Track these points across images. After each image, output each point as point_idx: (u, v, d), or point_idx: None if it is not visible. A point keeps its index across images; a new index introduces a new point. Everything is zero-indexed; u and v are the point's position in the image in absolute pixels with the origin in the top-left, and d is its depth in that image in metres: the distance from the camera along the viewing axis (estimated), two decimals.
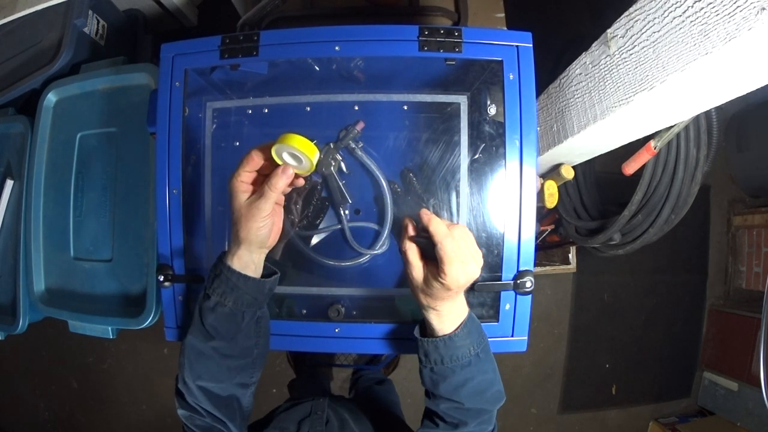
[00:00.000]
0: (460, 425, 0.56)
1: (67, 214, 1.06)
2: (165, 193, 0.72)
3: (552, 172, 0.97)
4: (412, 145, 0.82)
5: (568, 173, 0.94)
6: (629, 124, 0.71)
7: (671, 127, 0.86)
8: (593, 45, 0.71)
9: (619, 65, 0.64)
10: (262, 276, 0.57)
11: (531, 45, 0.68)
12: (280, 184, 0.52)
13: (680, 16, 0.51)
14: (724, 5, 0.45)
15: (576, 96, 0.76)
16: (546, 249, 1.66)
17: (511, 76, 0.67)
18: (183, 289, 0.73)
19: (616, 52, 0.65)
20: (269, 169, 0.54)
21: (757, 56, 0.46)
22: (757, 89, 0.55)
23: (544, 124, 0.88)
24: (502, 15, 1.00)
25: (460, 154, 0.76)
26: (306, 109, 0.82)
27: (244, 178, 0.54)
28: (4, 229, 1.15)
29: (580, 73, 0.75)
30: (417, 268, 0.52)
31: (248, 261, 0.54)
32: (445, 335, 0.53)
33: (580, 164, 1.01)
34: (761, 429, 1.62)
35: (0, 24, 1.22)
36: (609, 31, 0.66)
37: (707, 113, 0.94)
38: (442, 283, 0.49)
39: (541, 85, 0.85)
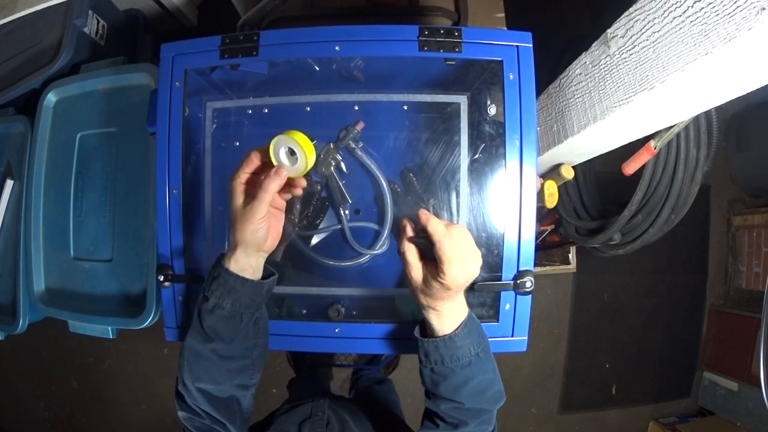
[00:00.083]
0: (460, 425, 0.56)
1: (67, 214, 1.06)
2: (165, 193, 0.72)
3: (552, 172, 0.97)
4: (412, 145, 0.82)
5: (568, 173, 0.94)
6: (629, 124, 0.71)
7: (671, 127, 0.86)
8: (593, 45, 0.71)
9: (619, 65, 0.64)
10: (261, 277, 0.57)
11: (531, 45, 0.68)
12: (273, 186, 0.51)
13: (680, 16, 0.51)
14: (724, 5, 0.45)
15: (576, 96, 0.76)
16: (546, 249, 1.66)
17: (511, 76, 0.67)
18: (183, 289, 0.73)
19: (616, 52, 0.65)
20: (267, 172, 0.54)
21: (757, 56, 0.46)
22: (757, 89, 0.55)
23: (544, 124, 0.88)
24: (502, 15, 1.00)
25: (460, 154, 0.76)
26: (306, 109, 0.82)
27: (243, 179, 0.54)
28: (4, 229, 1.15)
29: (580, 73, 0.75)
30: (416, 269, 0.52)
31: (245, 264, 0.54)
32: (445, 335, 0.53)
33: (580, 164, 1.01)
34: (761, 429, 1.62)
35: (0, 24, 1.22)
36: (609, 31, 0.66)
37: (707, 113, 0.94)
38: (441, 283, 0.49)
39: (541, 85, 0.85)
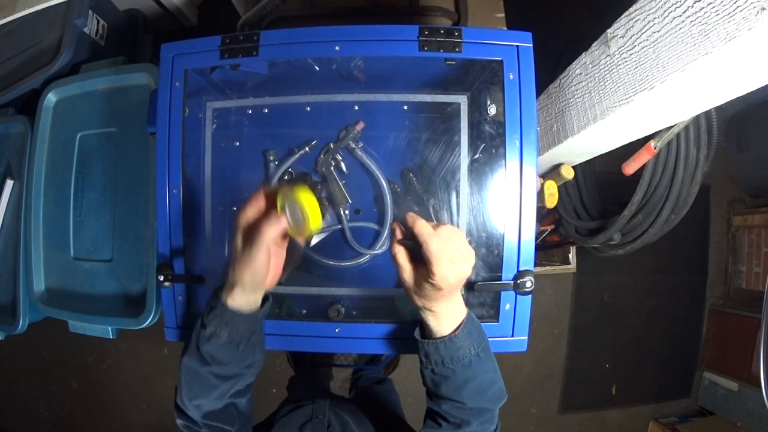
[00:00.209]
0: (462, 425, 0.56)
1: (67, 214, 1.06)
2: (165, 193, 0.72)
3: (552, 172, 0.97)
4: (412, 145, 0.82)
5: (568, 173, 0.94)
6: (629, 124, 0.71)
7: (671, 127, 0.86)
8: (593, 45, 0.71)
9: (619, 65, 0.64)
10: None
11: (531, 45, 0.68)
12: (270, 232, 0.50)
13: (680, 16, 0.51)
14: (724, 5, 0.45)
15: (576, 96, 0.76)
16: (546, 249, 1.66)
17: (511, 76, 0.67)
18: (183, 289, 0.73)
19: (616, 52, 0.65)
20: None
21: (757, 56, 0.46)
22: (757, 89, 0.55)
23: (544, 124, 0.88)
24: (502, 15, 1.00)
25: (460, 154, 0.77)
26: (306, 109, 0.82)
27: (249, 215, 0.52)
28: (4, 229, 1.15)
29: (580, 73, 0.75)
30: (407, 271, 0.52)
31: (243, 302, 0.54)
32: (445, 336, 0.53)
33: (580, 164, 1.01)
34: (761, 429, 1.62)
35: (0, 24, 1.22)
36: (609, 31, 0.66)
37: (707, 113, 0.94)
38: (432, 284, 0.49)
39: (541, 85, 0.85)
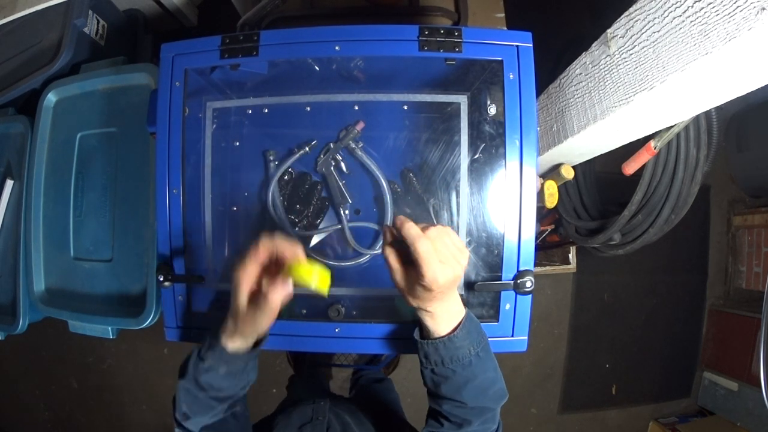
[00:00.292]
0: (464, 425, 0.56)
1: (67, 214, 1.06)
2: (165, 193, 0.72)
3: (552, 172, 0.97)
4: (412, 145, 0.82)
5: (568, 173, 0.94)
6: (629, 124, 0.71)
7: (671, 127, 0.86)
8: (593, 45, 0.71)
9: (619, 65, 0.64)
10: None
11: (531, 45, 0.68)
12: (278, 301, 0.50)
13: (680, 16, 0.51)
14: (724, 5, 0.45)
15: (576, 96, 0.76)
16: (546, 249, 1.66)
17: (511, 76, 0.67)
18: (183, 289, 0.73)
19: (616, 52, 0.65)
20: (276, 268, 0.51)
21: (757, 56, 0.46)
22: (757, 89, 0.55)
23: (544, 124, 0.88)
24: (502, 15, 1.00)
25: (460, 154, 0.77)
26: (306, 109, 0.82)
27: (250, 270, 0.50)
28: (4, 229, 1.15)
29: (580, 73, 0.75)
30: (398, 273, 0.52)
31: (242, 345, 0.54)
32: (444, 336, 0.53)
33: (580, 164, 1.01)
34: (761, 429, 1.62)
35: (0, 24, 1.22)
36: (609, 31, 0.66)
37: (707, 113, 0.94)
38: (422, 285, 0.49)
39: (541, 85, 0.85)
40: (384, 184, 0.79)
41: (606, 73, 0.68)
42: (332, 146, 0.81)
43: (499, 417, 0.59)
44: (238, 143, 0.85)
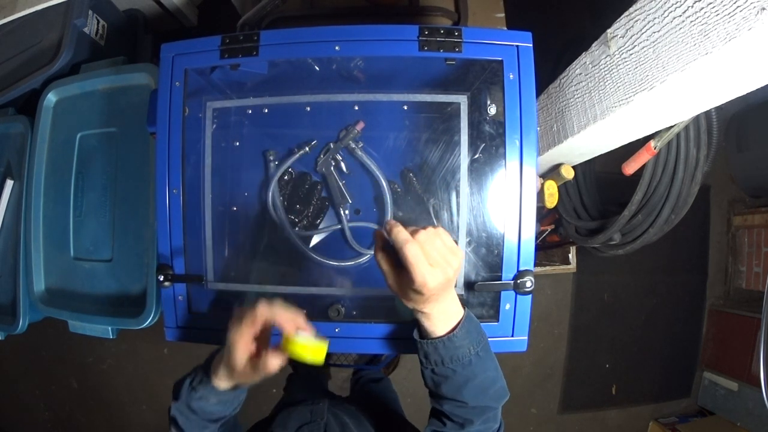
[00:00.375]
0: (466, 424, 0.56)
1: (67, 214, 1.06)
2: (165, 193, 0.72)
3: (552, 172, 0.97)
4: (412, 145, 0.82)
5: (568, 173, 0.94)
6: (629, 124, 0.71)
7: (671, 127, 0.86)
8: (593, 45, 0.71)
9: (619, 65, 0.64)
10: None
11: (531, 45, 0.68)
12: (277, 367, 0.51)
13: (680, 16, 0.51)
14: (724, 5, 0.45)
15: (576, 96, 0.76)
16: (546, 249, 1.66)
17: (511, 76, 0.67)
18: (183, 289, 0.73)
19: (616, 52, 0.65)
20: (269, 330, 0.53)
21: (757, 56, 0.46)
22: (757, 89, 0.55)
23: (544, 124, 0.88)
24: (502, 15, 1.00)
25: (460, 154, 0.77)
26: (306, 109, 0.82)
27: (246, 335, 0.51)
28: (4, 229, 1.15)
29: (580, 73, 0.75)
30: (390, 276, 0.52)
31: (233, 385, 0.56)
32: (443, 336, 0.53)
33: (580, 164, 1.01)
34: (761, 429, 1.62)
35: (0, 24, 1.22)
36: (609, 31, 0.66)
37: (707, 113, 0.93)
38: (414, 289, 0.49)
39: (541, 85, 0.85)
40: (384, 184, 0.79)
41: (606, 73, 0.68)
42: (332, 146, 0.81)
43: (500, 416, 0.59)
44: (238, 143, 0.85)
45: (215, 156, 0.81)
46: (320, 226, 0.84)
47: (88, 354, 1.92)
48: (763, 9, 0.40)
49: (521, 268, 0.67)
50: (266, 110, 0.84)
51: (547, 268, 1.67)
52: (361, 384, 1.34)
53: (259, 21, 0.93)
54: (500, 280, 0.67)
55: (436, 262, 0.49)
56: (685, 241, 1.88)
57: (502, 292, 0.68)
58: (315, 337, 0.50)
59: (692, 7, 0.49)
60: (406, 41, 0.68)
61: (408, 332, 0.59)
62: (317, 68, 0.76)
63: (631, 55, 0.62)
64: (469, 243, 0.74)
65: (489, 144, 0.74)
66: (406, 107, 0.82)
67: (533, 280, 0.66)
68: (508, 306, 0.68)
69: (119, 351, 1.91)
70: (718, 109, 0.78)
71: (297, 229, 0.82)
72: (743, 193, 1.89)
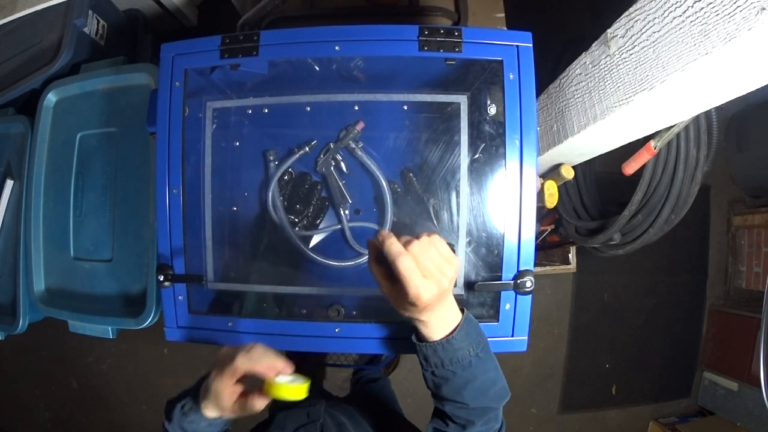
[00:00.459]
0: (467, 426, 0.56)
1: (67, 214, 1.06)
2: (165, 193, 0.72)
3: (552, 172, 0.97)
4: (412, 145, 0.82)
5: (568, 173, 0.94)
6: (629, 124, 0.71)
7: (671, 127, 0.86)
8: (593, 45, 0.71)
9: (619, 65, 0.64)
10: None
11: (531, 45, 0.68)
12: (262, 407, 0.53)
13: (680, 16, 0.51)
14: (724, 5, 0.45)
15: (576, 96, 0.76)
16: (546, 249, 1.66)
17: (511, 76, 0.67)
18: (183, 289, 0.73)
19: (616, 52, 0.65)
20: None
21: (757, 56, 0.46)
22: (757, 89, 0.55)
23: (544, 124, 0.88)
24: (502, 15, 1.00)
25: (460, 154, 0.77)
26: (306, 109, 0.82)
27: (228, 383, 0.51)
28: (4, 229, 1.15)
29: (580, 73, 0.75)
30: (385, 287, 0.51)
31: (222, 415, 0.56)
32: (442, 339, 0.53)
33: (580, 164, 1.01)
34: (761, 429, 1.62)
35: (0, 24, 1.22)
36: (609, 31, 0.66)
37: (707, 113, 0.93)
38: (408, 301, 0.49)
39: (541, 85, 0.85)
40: (384, 184, 0.79)
41: (606, 73, 0.68)
42: (332, 146, 0.81)
43: (502, 416, 0.59)
44: (238, 143, 0.85)
45: (215, 156, 0.81)
46: (320, 226, 0.84)
47: (88, 354, 1.92)
48: (763, 9, 0.40)
49: (521, 268, 0.67)
50: (266, 110, 0.84)
51: (547, 268, 1.67)
52: (359, 384, 1.34)
53: (259, 21, 0.93)
54: (500, 280, 0.67)
55: (431, 273, 0.48)
56: (685, 241, 1.88)
57: (502, 292, 0.68)
58: (295, 377, 0.51)
59: (692, 7, 0.49)
60: (406, 41, 0.69)
61: (408, 332, 0.59)
62: (317, 68, 0.76)
63: (631, 55, 0.62)
64: (469, 243, 0.74)
65: (489, 144, 0.74)
66: (406, 107, 0.82)
67: (533, 280, 0.66)
68: (508, 306, 0.68)
69: (119, 351, 1.91)
70: (718, 109, 0.78)
71: (297, 229, 0.82)
72: (743, 193, 1.89)
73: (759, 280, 1.78)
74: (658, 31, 0.56)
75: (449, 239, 0.76)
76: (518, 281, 0.66)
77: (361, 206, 0.83)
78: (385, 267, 0.50)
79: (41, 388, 1.98)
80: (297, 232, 0.82)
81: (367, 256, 0.80)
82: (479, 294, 0.70)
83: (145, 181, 0.98)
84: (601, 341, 1.89)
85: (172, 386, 0.60)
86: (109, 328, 1.00)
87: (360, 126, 0.80)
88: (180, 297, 0.73)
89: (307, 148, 0.82)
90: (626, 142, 0.82)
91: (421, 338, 0.56)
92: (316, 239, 0.84)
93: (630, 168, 0.97)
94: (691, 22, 0.50)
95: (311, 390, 0.52)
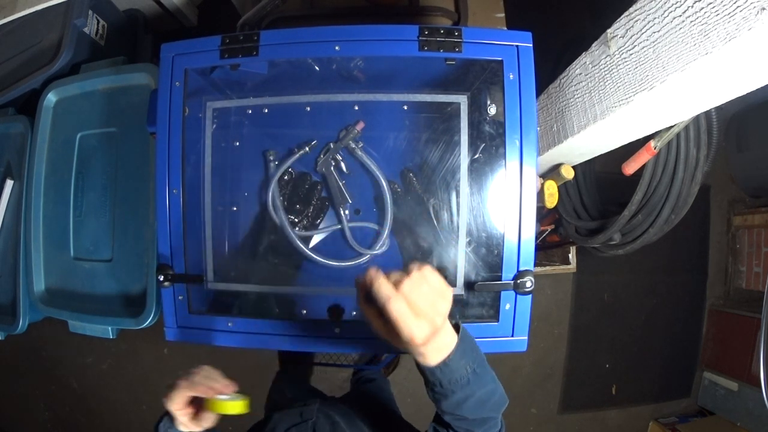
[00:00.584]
0: None
1: (67, 214, 1.06)
2: (165, 193, 0.72)
3: (552, 172, 0.97)
4: (412, 145, 0.82)
5: (568, 173, 0.94)
6: (629, 124, 0.71)
7: (671, 127, 0.86)
8: (593, 45, 0.71)
9: (619, 65, 0.64)
10: None
11: (531, 45, 0.68)
12: (213, 421, 0.57)
13: (680, 16, 0.51)
14: (724, 5, 0.45)
15: (576, 96, 0.76)
16: (546, 249, 1.66)
17: (511, 76, 0.67)
18: (183, 289, 0.73)
19: (616, 52, 0.65)
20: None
21: (757, 56, 0.46)
22: (757, 89, 0.55)
23: (544, 124, 0.88)
24: (502, 15, 1.00)
25: (460, 154, 0.76)
26: (306, 109, 0.82)
27: (178, 404, 0.56)
28: (4, 229, 1.15)
29: (580, 73, 0.75)
30: (376, 326, 0.50)
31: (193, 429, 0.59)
32: (439, 363, 0.51)
33: (580, 164, 1.01)
34: (761, 429, 1.62)
35: (0, 24, 1.22)
36: (609, 31, 0.66)
37: (707, 113, 0.93)
38: (402, 342, 0.48)
39: (541, 85, 0.85)
40: (384, 184, 0.79)
41: (606, 73, 0.68)
42: (332, 146, 0.81)
43: (501, 418, 0.59)
44: (238, 143, 0.85)
45: (215, 156, 0.81)
46: (320, 226, 0.84)
47: (88, 354, 1.92)
48: (763, 9, 0.40)
49: (521, 268, 0.67)
50: (266, 110, 0.84)
51: (547, 268, 1.67)
52: (357, 384, 1.34)
53: (259, 21, 0.93)
54: (500, 280, 0.67)
55: (424, 312, 0.46)
56: (685, 241, 1.88)
57: (502, 292, 0.68)
58: (235, 396, 0.56)
59: (692, 7, 0.49)
60: (406, 41, 0.69)
61: None
62: (317, 68, 0.76)
63: (631, 55, 0.62)
64: (469, 243, 0.74)
65: (489, 144, 0.74)
66: (406, 107, 0.82)
67: (533, 280, 0.66)
68: (508, 306, 0.68)
69: (119, 351, 1.90)
70: (718, 109, 0.78)
71: (297, 229, 0.82)
72: (743, 193, 1.89)
73: (759, 280, 1.78)
74: (658, 31, 0.56)
75: (448, 242, 0.76)
76: (518, 281, 0.66)
77: (361, 206, 0.83)
78: (376, 306, 0.49)
79: (41, 388, 1.98)
80: (297, 232, 0.82)
81: (367, 256, 0.80)
82: (479, 294, 0.70)
83: (145, 181, 0.99)
84: (601, 341, 1.89)
85: None
86: (109, 328, 1.00)
87: (360, 126, 0.80)
88: (180, 297, 0.73)
89: (307, 148, 0.82)
90: (626, 142, 0.82)
91: (418, 362, 0.55)
92: (316, 239, 0.84)
93: (630, 168, 0.97)
94: (691, 22, 0.50)
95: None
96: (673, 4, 0.52)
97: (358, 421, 0.73)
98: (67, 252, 1.06)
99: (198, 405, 0.57)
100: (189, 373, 0.57)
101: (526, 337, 0.68)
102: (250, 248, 0.85)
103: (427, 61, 0.71)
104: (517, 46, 0.68)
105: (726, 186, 1.90)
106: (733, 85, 0.55)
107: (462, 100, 0.78)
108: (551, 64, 1.22)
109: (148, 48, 1.50)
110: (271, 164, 0.83)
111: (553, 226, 1.42)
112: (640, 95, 0.60)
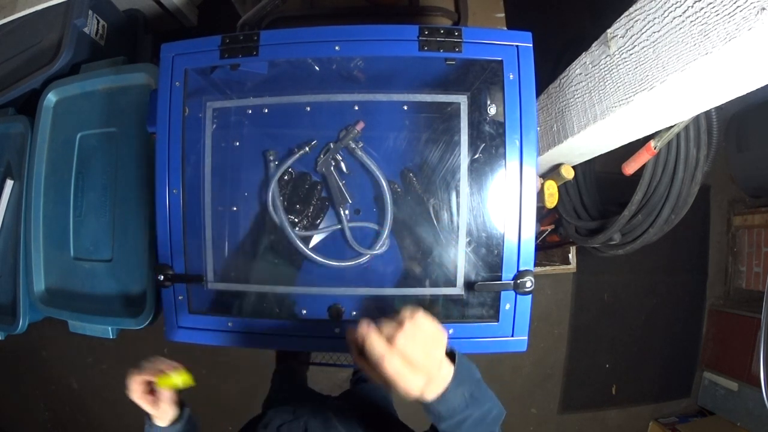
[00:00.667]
0: None
1: (67, 214, 1.06)
2: (165, 193, 0.72)
3: (552, 172, 0.97)
4: (412, 145, 0.82)
5: (568, 173, 0.94)
6: (629, 124, 0.71)
7: (671, 127, 0.86)
8: (593, 45, 0.71)
9: (619, 65, 0.64)
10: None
11: (531, 45, 0.68)
12: (168, 395, 0.65)
13: (680, 16, 0.51)
14: (724, 5, 0.45)
15: (576, 96, 0.76)
16: (546, 249, 1.66)
17: (511, 76, 0.67)
18: (183, 289, 0.73)
19: (616, 52, 0.65)
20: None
21: (757, 56, 0.46)
22: (757, 89, 0.55)
23: (544, 124, 0.88)
24: (502, 15, 1.00)
25: (460, 154, 0.76)
26: (306, 109, 0.82)
27: (137, 391, 0.64)
28: (4, 229, 1.15)
29: (580, 73, 0.75)
30: (376, 377, 0.48)
31: (167, 421, 0.67)
32: (437, 397, 0.50)
33: (580, 164, 1.01)
34: (761, 429, 1.62)
35: (0, 24, 1.22)
36: (609, 31, 0.66)
37: (707, 113, 0.93)
38: (400, 393, 0.47)
39: (541, 85, 0.85)
40: (384, 184, 0.79)
41: (606, 73, 0.68)
42: (332, 146, 0.81)
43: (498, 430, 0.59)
44: (238, 143, 0.85)
45: (215, 156, 0.81)
46: (320, 226, 0.84)
47: (88, 354, 1.92)
48: (763, 9, 0.40)
49: (521, 268, 0.67)
50: (266, 110, 0.84)
51: (547, 268, 1.67)
52: (353, 384, 1.34)
53: (259, 21, 0.93)
54: (500, 280, 0.67)
55: (420, 363, 0.45)
56: (685, 241, 1.88)
57: (502, 292, 0.68)
58: (175, 371, 0.63)
59: (692, 7, 0.49)
60: (406, 41, 0.69)
61: None
62: (317, 68, 0.76)
63: (631, 55, 0.62)
64: (469, 243, 0.74)
65: (489, 144, 0.74)
66: (406, 107, 0.82)
67: (533, 280, 0.66)
68: (508, 306, 0.68)
69: (119, 351, 1.90)
70: (718, 109, 0.78)
71: (297, 229, 0.82)
72: (743, 193, 1.89)
73: (759, 280, 1.79)
74: (658, 31, 0.56)
75: (448, 242, 0.76)
76: (518, 281, 0.66)
77: (361, 206, 0.83)
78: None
79: (41, 388, 1.98)
80: (297, 232, 0.82)
81: (367, 256, 0.80)
82: (479, 294, 0.70)
83: (145, 181, 0.98)
84: (601, 341, 1.89)
85: None
86: (109, 328, 1.00)
87: (360, 126, 0.80)
88: (180, 297, 0.73)
89: (307, 148, 0.82)
90: (626, 142, 0.82)
91: None
92: (316, 239, 0.84)
93: (630, 168, 0.97)
94: (691, 22, 0.50)
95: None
96: (673, 4, 0.52)
97: (352, 420, 0.73)
98: (67, 252, 1.06)
99: (155, 392, 0.64)
100: (135, 369, 0.64)
101: (526, 337, 0.68)
102: (250, 248, 0.85)
103: (427, 61, 0.71)
104: (517, 46, 0.68)
105: (726, 186, 1.90)
106: (733, 85, 0.55)
107: (462, 100, 0.78)
108: (551, 64, 1.22)
109: (148, 48, 1.50)
110: (271, 164, 0.83)
111: (553, 226, 1.42)
112: (640, 95, 0.60)
